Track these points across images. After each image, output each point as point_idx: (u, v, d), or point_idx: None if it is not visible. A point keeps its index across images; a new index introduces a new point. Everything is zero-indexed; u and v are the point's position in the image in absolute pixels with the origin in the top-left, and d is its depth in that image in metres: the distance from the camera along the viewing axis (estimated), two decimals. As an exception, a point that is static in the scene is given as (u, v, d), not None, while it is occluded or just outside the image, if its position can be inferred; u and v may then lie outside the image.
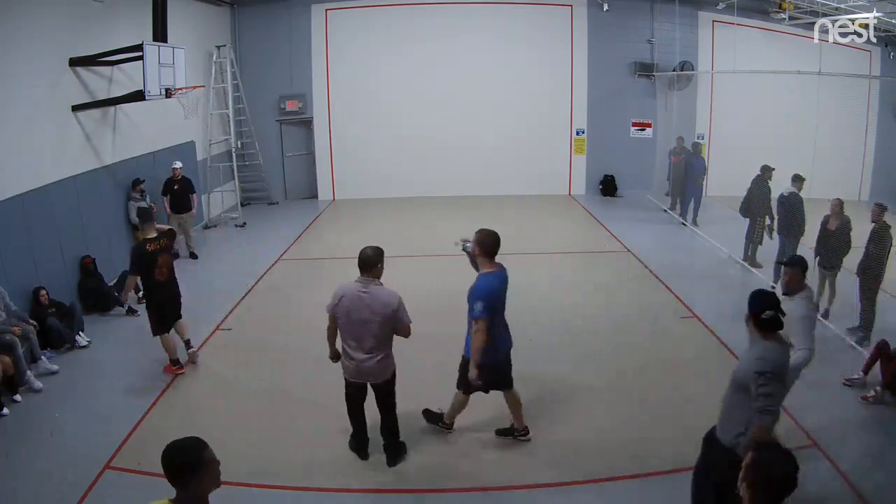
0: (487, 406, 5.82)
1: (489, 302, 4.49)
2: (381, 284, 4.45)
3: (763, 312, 3.57)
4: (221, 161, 13.35)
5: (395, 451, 4.91)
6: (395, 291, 4.46)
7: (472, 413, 5.69)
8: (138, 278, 6.38)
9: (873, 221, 6.97)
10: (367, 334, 4.43)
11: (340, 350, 4.66)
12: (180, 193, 10.22)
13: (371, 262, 4.40)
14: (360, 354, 4.49)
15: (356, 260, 4.46)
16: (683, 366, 6.63)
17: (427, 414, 5.39)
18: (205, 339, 7.08)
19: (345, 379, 4.71)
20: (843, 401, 5.82)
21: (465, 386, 4.89)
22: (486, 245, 4.61)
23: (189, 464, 2.39)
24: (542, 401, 5.91)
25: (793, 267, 4.84)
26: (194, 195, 10.45)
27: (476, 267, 4.73)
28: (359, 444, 5.00)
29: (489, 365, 4.71)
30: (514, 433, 5.21)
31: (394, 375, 4.71)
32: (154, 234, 6.25)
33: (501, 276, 4.72)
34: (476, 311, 4.46)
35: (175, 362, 6.38)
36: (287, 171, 15.20)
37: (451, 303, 8.36)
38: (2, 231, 6.80)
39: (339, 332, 4.57)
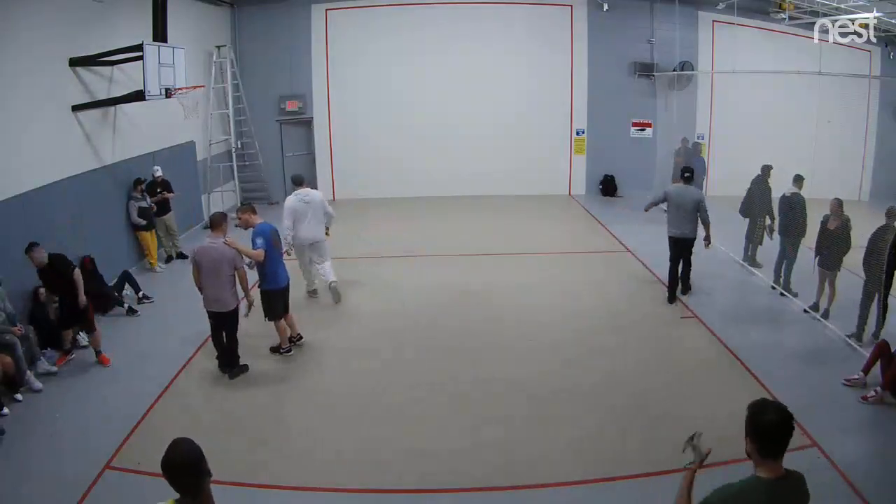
0: (483, 407, 5.83)
1: (266, 240, 6.47)
2: (225, 238, 6.21)
3: (686, 172, 8.35)
4: (221, 161, 13.35)
5: (238, 367, 6.49)
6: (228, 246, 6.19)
7: (468, 415, 5.70)
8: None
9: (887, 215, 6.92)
10: (221, 272, 6.12)
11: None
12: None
13: (220, 222, 6.28)
14: (217, 290, 6.15)
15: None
16: (683, 366, 6.63)
17: (273, 349, 6.91)
18: (204, 340, 7.07)
19: (207, 311, 6.32)
20: (843, 401, 5.81)
21: (271, 314, 6.70)
22: (253, 209, 6.75)
23: (203, 464, 2.38)
24: (542, 400, 5.91)
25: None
26: (172, 195, 10.23)
27: None
28: (221, 363, 6.47)
29: (273, 290, 6.65)
30: (279, 350, 6.84)
31: (237, 308, 6.35)
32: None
33: (272, 227, 6.69)
34: (258, 245, 6.40)
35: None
36: (287, 171, 15.15)
37: (451, 298, 8.43)
38: (2, 231, 6.80)
39: (201, 277, 6.17)
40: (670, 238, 8.32)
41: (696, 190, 8.49)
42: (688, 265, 8.42)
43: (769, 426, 2.44)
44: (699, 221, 8.15)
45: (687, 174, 8.38)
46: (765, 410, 2.48)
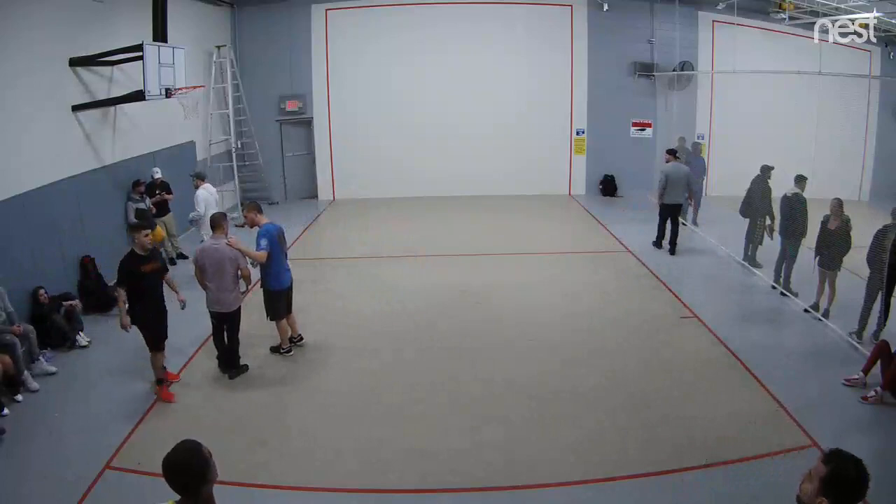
0: (483, 407, 5.83)
1: (270, 241, 6.45)
2: (227, 239, 6.15)
3: (677, 152, 10.98)
4: (221, 161, 13.35)
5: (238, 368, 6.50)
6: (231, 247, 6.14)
7: (468, 415, 5.70)
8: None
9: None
10: (224, 272, 6.11)
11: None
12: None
13: (220, 222, 6.28)
14: (220, 291, 6.15)
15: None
16: (683, 366, 6.63)
17: (273, 349, 6.95)
18: (204, 340, 7.08)
19: (210, 311, 6.32)
20: (843, 401, 5.81)
21: (273, 314, 6.73)
22: (259, 208, 6.84)
23: (205, 471, 2.34)
24: (542, 400, 5.91)
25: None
26: (171, 196, 10.22)
27: None
28: (222, 363, 6.47)
29: (276, 290, 6.67)
30: (280, 350, 6.87)
31: (239, 308, 6.32)
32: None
33: (278, 228, 6.68)
34: (261, 246, 6.39)
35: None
36: (287, 171, 15.21)
37: (451, 298, 8.43)
38: (2, 231, 6.80)
39: (205, 278, 6.15)
40: (666, 205, 10.40)
41: (684, 165, 10.82)
42: (677, 225, 10.46)
43: (857, 484, 2.36)
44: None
45: (676, 154, 10.92)
46: (849, 466, 2.36)
